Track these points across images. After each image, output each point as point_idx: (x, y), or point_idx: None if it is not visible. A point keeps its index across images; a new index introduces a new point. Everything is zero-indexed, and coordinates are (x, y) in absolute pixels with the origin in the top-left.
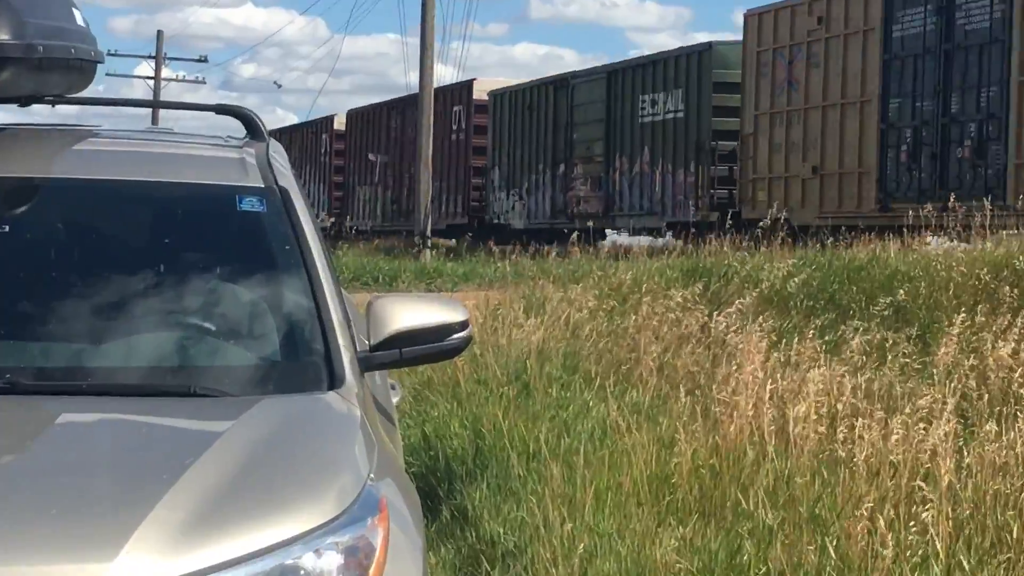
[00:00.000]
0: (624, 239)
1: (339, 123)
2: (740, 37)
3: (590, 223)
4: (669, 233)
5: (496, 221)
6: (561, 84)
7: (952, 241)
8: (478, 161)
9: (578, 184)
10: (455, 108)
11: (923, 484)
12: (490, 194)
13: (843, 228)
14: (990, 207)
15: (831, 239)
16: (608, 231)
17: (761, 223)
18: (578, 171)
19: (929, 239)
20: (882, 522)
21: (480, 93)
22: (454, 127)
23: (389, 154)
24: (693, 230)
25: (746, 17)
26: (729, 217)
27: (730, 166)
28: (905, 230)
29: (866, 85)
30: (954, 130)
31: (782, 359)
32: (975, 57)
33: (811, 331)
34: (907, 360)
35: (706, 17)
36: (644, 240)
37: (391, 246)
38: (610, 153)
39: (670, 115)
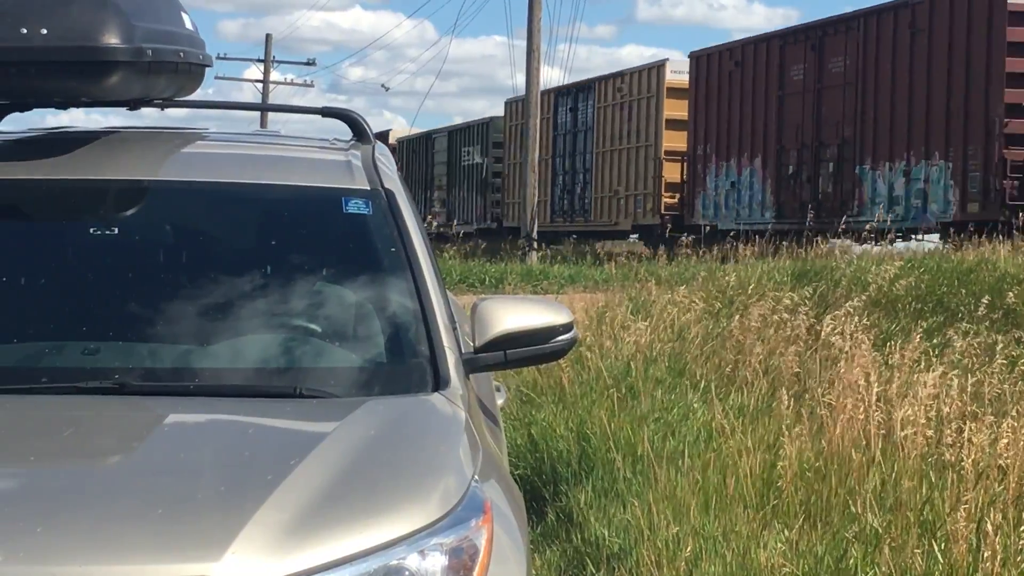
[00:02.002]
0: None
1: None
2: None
3: (442, 228)
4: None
5: None
6: (429, 137)
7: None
8: None
9: (435, 203)
10: None
11: None
12: None
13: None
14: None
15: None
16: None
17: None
18: (435, 196)
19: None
20: (990, 526)
21: (393, 139)
22: None
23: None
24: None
25: (506, 104)
26: (498, 224)
27: (501, 195)
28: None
29: (547, 149)
30: (576, 177)
31: (888, 362)
32: (584, 136)
33: (918, 334)
34: (1016, 363)
35: (813, 18)
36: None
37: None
38: (450, 185)
39: (475, 161)
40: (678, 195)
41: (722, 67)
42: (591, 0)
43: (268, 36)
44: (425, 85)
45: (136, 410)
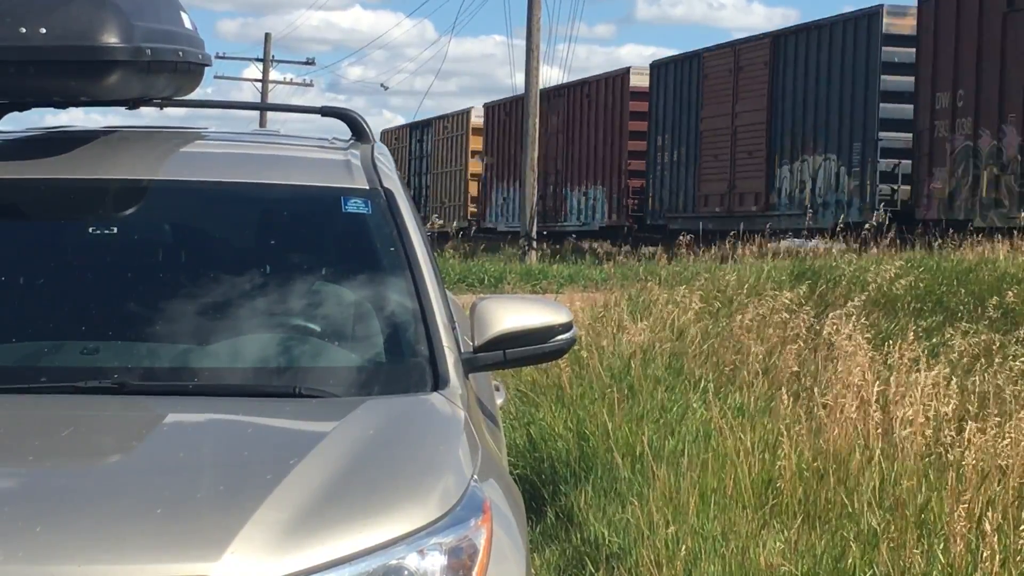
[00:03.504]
0: None
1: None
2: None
3: None
4: None
5: None
6: None
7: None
8: None
9: None
10: None
11: None
12: None
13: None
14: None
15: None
16: None
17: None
18: None
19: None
20: (989, 526)
21: None
22: None
23: None
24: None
25: (382, 132)
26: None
27: None
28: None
29: (404, 171)
30: (423, 192)
31: (887, 361)
32: (427, 161)
33: (916, 333)
34: (1016, 363)
35: (813, 17)
36: None
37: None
38: None
39: None
40: (478, 206)
41: (500, 116)
42: (591, 0)
43: (267, 35)
44: (424, 84)
45: (135, 410)
